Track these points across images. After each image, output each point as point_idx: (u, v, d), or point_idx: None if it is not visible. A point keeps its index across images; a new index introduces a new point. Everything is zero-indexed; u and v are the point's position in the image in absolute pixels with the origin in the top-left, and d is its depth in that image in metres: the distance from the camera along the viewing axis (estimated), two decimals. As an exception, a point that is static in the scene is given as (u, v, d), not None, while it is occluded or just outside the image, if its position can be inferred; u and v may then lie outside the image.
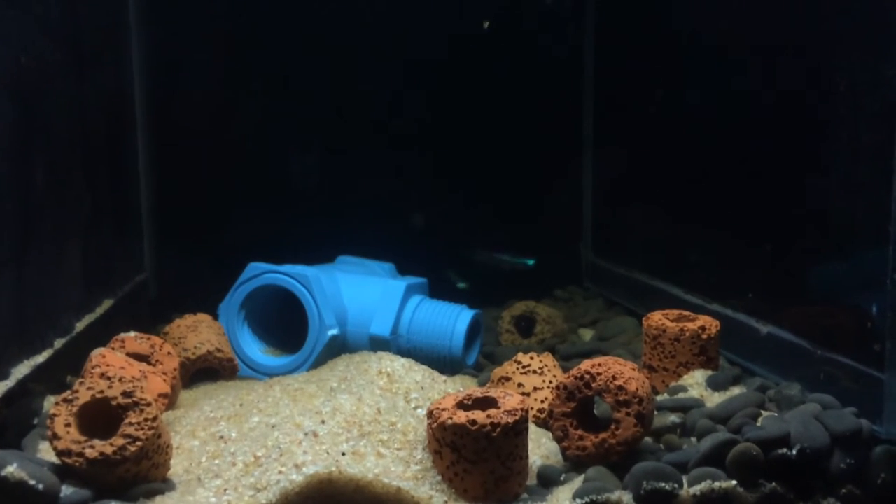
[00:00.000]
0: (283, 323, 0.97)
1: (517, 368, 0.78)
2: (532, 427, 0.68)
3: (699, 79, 0.98)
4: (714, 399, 0.71)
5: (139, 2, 1.14)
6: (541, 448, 0.66)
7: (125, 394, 0.56)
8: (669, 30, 1.06)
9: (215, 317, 0.94)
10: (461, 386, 0.82)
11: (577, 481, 0.60)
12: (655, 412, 0.67)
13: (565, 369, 0.80)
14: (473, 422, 0.56)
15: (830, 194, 0.72)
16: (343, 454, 0.58)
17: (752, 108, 0.87)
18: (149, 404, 0.57)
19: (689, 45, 1.01)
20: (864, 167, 0.68)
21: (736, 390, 0.73)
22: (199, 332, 0.88)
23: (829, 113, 0.72)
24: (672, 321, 0.78)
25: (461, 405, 0.60)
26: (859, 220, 0.69)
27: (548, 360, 0.80)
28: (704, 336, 0.76)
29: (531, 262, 1.22)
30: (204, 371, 0.88)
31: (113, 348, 0.76)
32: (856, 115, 0.68)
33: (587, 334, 1.11)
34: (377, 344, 0.93)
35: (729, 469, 0.59)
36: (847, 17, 0.70)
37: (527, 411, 0.58)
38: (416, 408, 0.70)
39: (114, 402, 0.56)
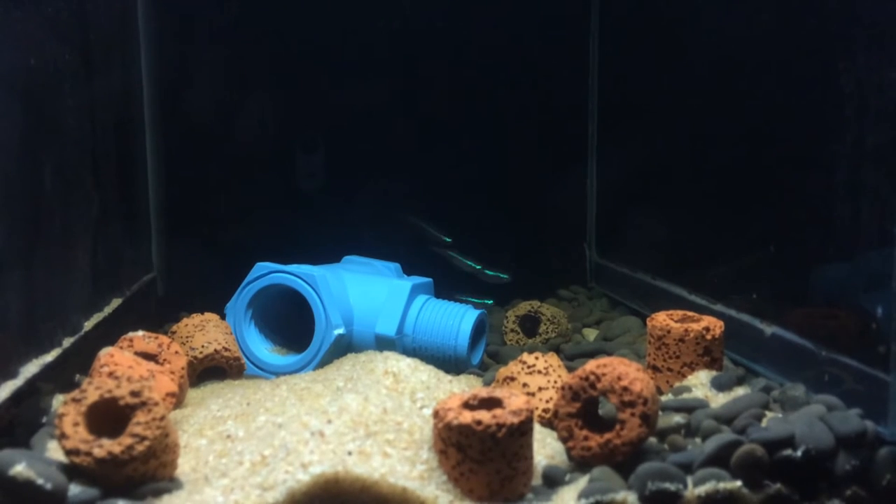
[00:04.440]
0: (290, 322, 0.97)
1: (522, 368, 0.78)
2: (537, 427, 0.69)
3: (703, 81, 0.98)
4: (718, 400, 0.71)
5: (147, 3, 1.14)
6: (546, 448, 0.66)
7: (133, 393, 0.57)
8: (673, 32, 1.06)
9: (222, 316, 0.94)
10: (466, 386, 0.82)
11: (582, 481, 0.60)
12: (660, 413, 0.67)
13: (570, 369, 0.80)
14: (479, 422, 0.57)
15: (835, 195, 0.72)
16: (349, 454, 0.59)
17: (756, 109, 0.87)
18: (156, 404, 0.57)
19: (692, 47, 1.01)
20: (870, 168, 0.68)
21: (740, 391, 0.73)
22: (206, 331, 0.89)
23: (835, 114, 0.72)
24: (676, 322, 0.78)
25: (467, 405, 0.60)
26: (864, 221, 0.69)
27: (553, 360, 0.80)
28: (709, 337, 0.76)
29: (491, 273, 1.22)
30: (211, 370, 0.88)
31: (121, 347, 0.76)
32: (861, 117, 0.68)
33: (591, 334, 1.11)
34: (383, 343, 0.94)
35: (734, 470, 0.59)
36: (852, 18, 0.70)
37: (532, 411, 0.59)
38: (421, 407, 0.70)
39: (122, 402, 0.57)
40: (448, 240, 1.20)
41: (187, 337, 0.88)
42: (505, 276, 1.22)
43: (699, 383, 0.74)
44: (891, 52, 0.65)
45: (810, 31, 0.77)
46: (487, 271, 1.21)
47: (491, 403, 0.60)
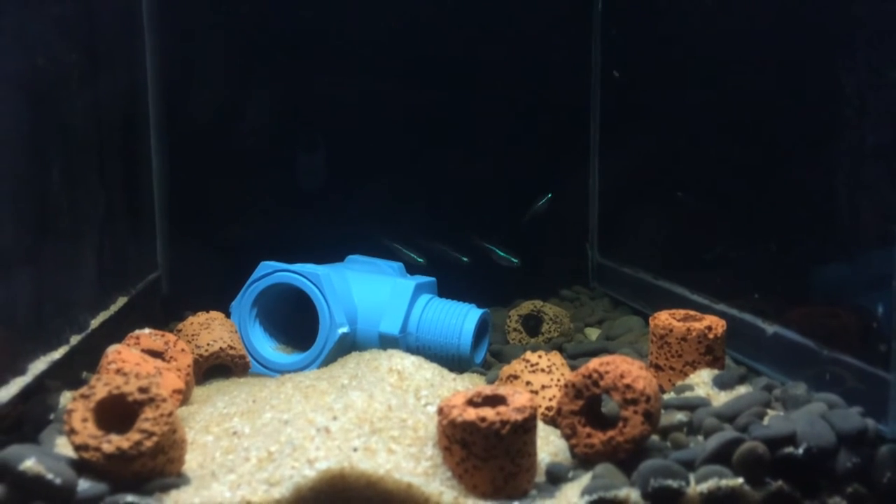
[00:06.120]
0: (295, 321, 0.98)
1: (525, 367, 0.79)
2: (540, 425, 0.69)
3: (703, 81, 0.99)
4: (720, 398, 0.72)
5: (152, 3, 1.15)
6: (549, 445, 0.66)
7: (141, 389, 0.57)
8: (674, 32, 1.06)
9: (227, 314, 0.95)
10: (470, 384, 0.82)
11: (586, 478, 0.60)
12: (662, 410, 0.67)
13: (572, 368, 0.81)
14: (483, 419, 0.57)
15: (836, 194, 0.73)
16: (355, 450, 0.59)
17: (757, 108, 0.87)
18: (164, 400, 0.57)
19: (693, 48, 1.01)
20: (870, 167, 0.68)
21: (742, 389, 0.73)
22: (211, 330, 0.89)
23: (835, 114, 0.72)
24: (679, 321, 0.79)
25: (471, 402, 0.61)
26: (865, 220, 0.69)
27: (556, 358, 0.80)
28: (711, 335, 0.77)
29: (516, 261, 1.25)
30: (216, 368, 0.89)
31: (128, 345, 0.77)
32: (862, 116, 0.69)
33: (593, 333, 1.11)
34: (387, 342, 0.94)
35: (735, 467, 0.59)
36: (853, 19, 0.71)
37: (535, 409, 0.59)
38: (426, 405, 0.70)
39: (130, 398, 0.57)
40: (465, 259, 1.23)
41: (193, 335, 0.89)
42: (516, 261, 1.24)
43: (701, 382, 0.75)
44: (891, 51, 0.65)
45: (811, 31, 0.78)
46: (499, 251, 1.23)
47: (495, 401, 0.61)
